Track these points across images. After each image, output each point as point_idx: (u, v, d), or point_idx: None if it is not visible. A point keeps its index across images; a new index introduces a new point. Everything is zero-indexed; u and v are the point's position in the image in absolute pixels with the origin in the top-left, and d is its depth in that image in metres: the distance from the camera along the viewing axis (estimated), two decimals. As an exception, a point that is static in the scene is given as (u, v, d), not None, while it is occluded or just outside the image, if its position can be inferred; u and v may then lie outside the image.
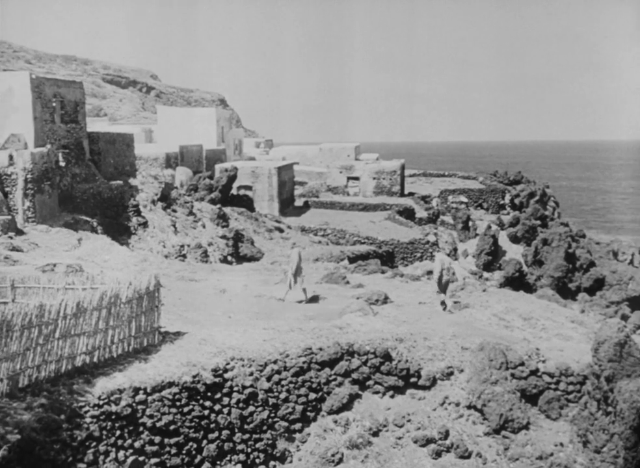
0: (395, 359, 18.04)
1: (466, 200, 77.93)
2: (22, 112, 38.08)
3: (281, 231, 51.69)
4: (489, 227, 58.25)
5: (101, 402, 14.42)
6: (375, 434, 17.18)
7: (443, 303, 22.97)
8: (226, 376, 16.55)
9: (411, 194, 75.94)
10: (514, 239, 59.53)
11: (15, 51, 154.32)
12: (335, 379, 17.74)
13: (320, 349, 17.80)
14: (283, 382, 17.16)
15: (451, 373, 18.06)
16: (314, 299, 24.50)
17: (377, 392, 17.91)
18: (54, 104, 40.39)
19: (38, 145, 38.11)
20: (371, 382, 17.93)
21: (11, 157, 36.20)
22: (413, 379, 17.96)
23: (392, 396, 17.90)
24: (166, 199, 45.99)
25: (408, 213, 64.73)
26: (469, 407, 17.41)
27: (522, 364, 17.72)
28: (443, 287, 23.23)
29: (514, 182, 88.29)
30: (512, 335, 19.79)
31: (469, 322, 20.99)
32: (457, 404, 17.52)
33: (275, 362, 17.24)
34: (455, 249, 58.65)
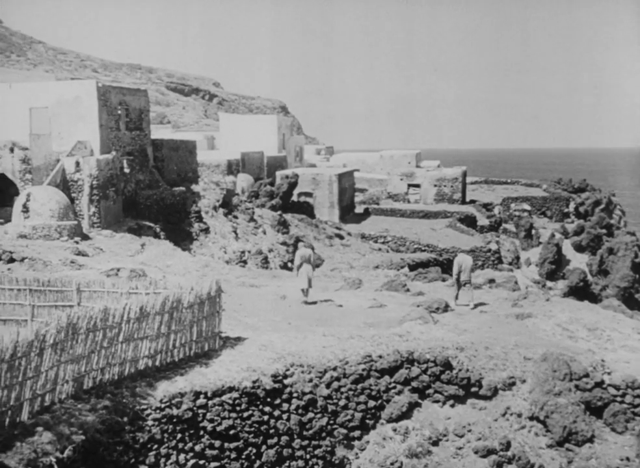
0: (456, 368, 17.82)
1: (528, 208, 76.79)
2: (89, 119, 38.96)
3: (341, 237, 51.69)
4: (552, 235, 57.28)
5: (163, 405, 14.59)
6: (435, 443, 16.99)
7: (457, 297, 24.62)
8: (286, 382, 16.57)
9: (472, 202, 75.19)
10: (579, 248, 58.40)
11: (82, 60, 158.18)
12: (394, 387, 17.60)
13: (380, 356, 17.70)
14: (342, 389, 17.10)
15: (513, 383, 17.75)
16: (313, 303, 24.65)
17: (437, 401, 17.72)
18: (119, 111, 41.21)
19: (103, 152, 38.91)
20: (431, 391, 17.74)
21: (78, 164, 37.06)
22: (474, 389, 17.71)
23: (452, 406, 17.68)
24: (227, 205, 46.45)
25: (469, 221, 64.09)
26: (531, 418, 17.09)
27: (587, 375, 17.32)
28: (459, 286, 24.74)
29: (579, 190, 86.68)
30: (576, 345, 19.37)
31: (531, 331, 20.62)
32: (519, 415, 17.21)
33: (334, 369, 17.19)
34: (517, 258, 57.81)
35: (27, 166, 37.28)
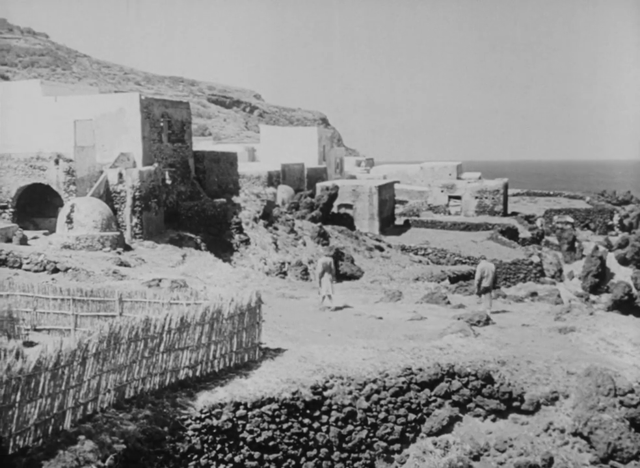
0: (497, 382, 17.62)
1: (571, 220, 75.83)
2: (132, 131, 39.45)
3: (381, 249, 51.54)
4: (596, 248, 56.41)
5: (203, 416, 14.64)
6: (476, 458, 16.78)
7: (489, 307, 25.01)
8: (325, 394, 16.53)
9: (514, 214, 74.51)
10: (623, 261, 57.40)
11: (126, 73, 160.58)
12: (435, 401, 17.46)
13: (420, 369, 17.57)
14: (382, 402, 17.01)
15: (556, 398, 17.48)
16: (339, 309, 25.86)
17: (478, 416, 17.52)
18: (162, 124, 41.68)
19: (146, 164, 39.36)
20: (471, 405, 17.55)
21: (120, 175, 37.53)
22: (515, 404, 17.48)
23: (494, 420, 17.47)
24: (267, 216, 46.63)
25: (511, 233, 63.47)
26: (574, 434, 16.80)
27: (632, 391, 16.99)
28: (481, 292, 25.44)
29: (623, 202, 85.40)
30: (621, 360, 19.02)
31: (575, 345, 20.30)
32: (562, 431, 16.93)
33: (374, 381, 17.11)
34: (560, 271, 57.08)
35: (71, 177, 37.85)
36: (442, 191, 74.67)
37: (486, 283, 25.31)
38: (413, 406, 17.23)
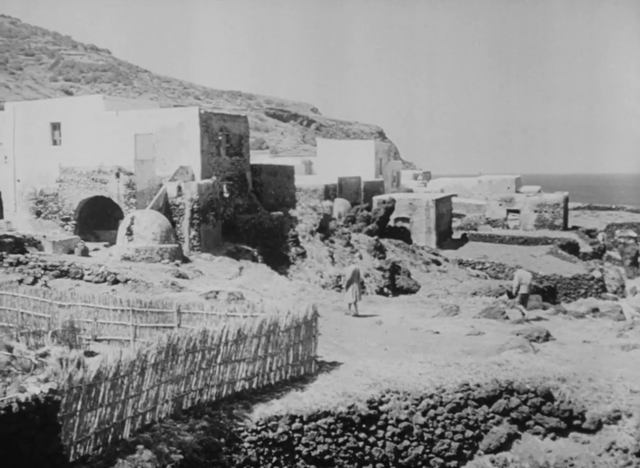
0: (557, 399, 17.25)
1: (635, 235, 74.06)
2: (191, 145, 39.97)
3: (438, 263, 51.13)
4: (660, 263, 55.04)
5: (259, 428, 14.67)
6: (535, 477, 16.44)
7: (523, 313, 25.97)
8: (381, 408, 16.42)
9: (575, 228, 73.21)
10: (688, 277, 55.88)
11: (185, 87, 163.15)
12: (493, 417, 17.18)
13: (478, 385, 17.33)
14: (439, 417, 16.81)
15: (619, 417, 17.04)
16: (362, 315, 26.84)
17: (537, 433, 17.18)
18: (220, 137, 42.15)
19: (204, 177, 39.82)
20: (531, 422, 17.22)
21: (179, 188, 38.03)
22: (576, 422, 17.08)
23: (553, 438, 17.10)
24: (324, 230, 46.70)
25: (571, 248, 62.34)
26: (638, 454, 16.34)
27: (698, 411, 16.47)
28: (520, 300, 26.66)
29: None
30: (686, 379, 18.46)
31: (638, 363, 19.78)
32: (625, 451, 16.48)
33: (431, 396, 16.93)
34: (623, 286, 55.81)
35: (132, 190, 38.52)
36: (500, 204, 73.82)
37: (524, 290, 26.57)
38: (471, 423, 16.99)
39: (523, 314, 26.25)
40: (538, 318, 26.64)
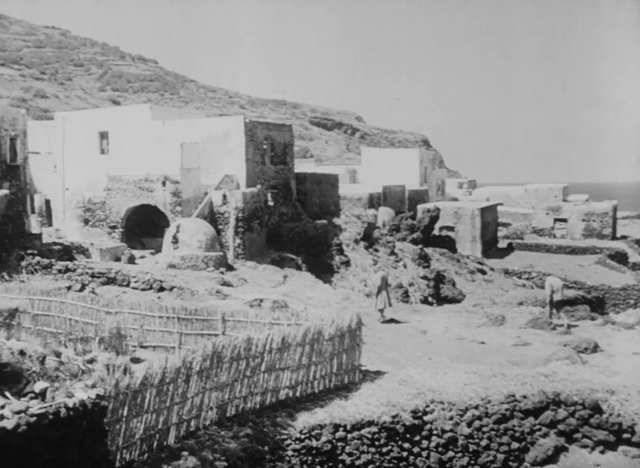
0: (606, 412, 16.93)
1: (685, 244, 72.57)
2: (236, 154, 40.24)
3: (483, 272, 50.67)
4: None
5: (303, 436, 14.65)
6: (583, 491, 16.15)
7: (562, 319, 26.39)
8: (426, 418, 16.29)
9: (624, 237, 71.94)
10: None
11: (230, 97, 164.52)
12: (539, 429, 16.92)
13: (524, 397, 17.09)
14: (484, 429, 16.62)
15: (670, 431, 16.65)
16: (392, 321, 27.36)
17: (585, 446, 16.87)
18: (265, 146, 42.38)
19: (249, 186, 40.06)
20: (578, 435, 16.92)
21: (224, 197, 38.32)
22: (626, 435, 16.74)
23: (602, 452, 16.78)
24: (368, 238, 46.61)
25: (620, 257, 61.27)
26: (690, 469, 15.95)
27: None
28: (554, 306, 26.75)
29: None
30: None
31: (690, 376, 19.33)
32: (676, 466, 16.11)
33: (476, 407, 16.75)
34: (673, 297, 54.57)
35: (177, 198, 38.93)
36: (547, 213, 72.92)
37: (558, 297, 26.73)
38: (517, 434, 16.76)
39: (563, 324, 26.23)
40: (570, 326, 26.51)
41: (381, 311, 27.56)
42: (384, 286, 27.56)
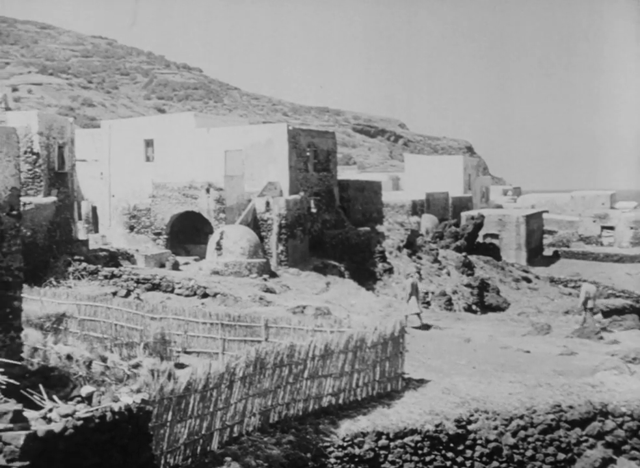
0: (655, 423, 16.59)
1: None
2: (279, 161, 40.38)
3: (528, 281, 50.06)
4: None
5: (345, 444, 14.61)
6: (631, 504, 15.84)
7: (598, 323, 26.61)
8: (470, 427, 16.13)
9: (673, 245, 70.53)
10: None
11: (274, 104, 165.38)
12: (586, 441, 16.64)
13: (571, 407, 16.83)
14: (529, 439, 16.39)
15: None
16: (426, 327, 27.50)
17: (634, 459, 16.53)
18: (308, 153, 42.48)
19: (292, 193, 40.18)
20: (627, 447, 16.59)
21: (268, 204, 38.47)
22: (676, 448, 16.38)
23: (651, 464, 16.44)
24: (411, 246, 46.40)
25: (670, 266, 60.07)
26: None
27: None
28: (589, 312, 26.71)
29: None
30: None
31: None
32: None
33: (521, 417, 16.53)
34: None
35: (221, 205, 39.22)
36: (594, 221, 71.84)
37: (592, 304, 26.79)
38: (563, 445, 16.50)
39: (598, 327, 26.36)
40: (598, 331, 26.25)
41: (418, 315, 27.77)
42: (414, 292, 27.78)
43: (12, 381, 9.99)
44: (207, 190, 39.56)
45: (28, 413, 9.51)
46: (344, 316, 25.37)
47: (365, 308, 31.29)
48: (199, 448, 12.96)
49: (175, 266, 35.97)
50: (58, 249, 32.76)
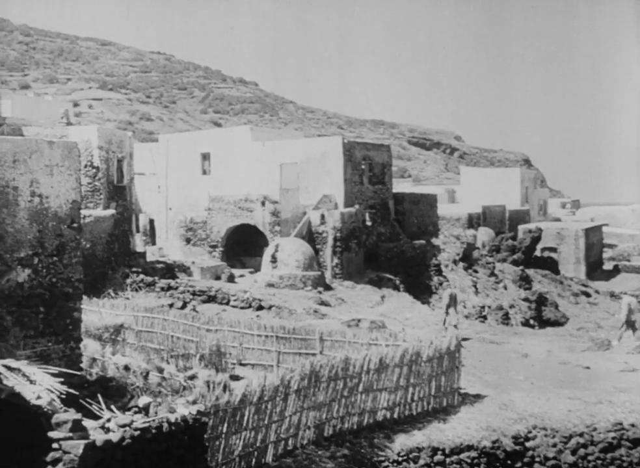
0: None
1: None
2: (334, 174, 40.47)
3: (588, 295, 49.10)
4: None
5: (400, 459, 14.47)
6: (697, 527, 15.32)
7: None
8: (527, 444, 15.82)
9: None
10: None
11: (329, 117, 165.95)
12: (649, 460, 16.17)
13: (633, 425, 16.38)
14: (589, 457, 16.00)
15: None
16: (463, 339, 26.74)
17: (699, 480, 16.01)
18: (363, 166, 42.49)
19: (347, 206, 40.19)
20: (691, 467, 16.08)
21: (323, 217, 38.54)
22: None
23: None
24: (467, 259, 45.96)
25: None
26: None
27: None
28: (630, 325, 25.95)
29: None
30: None
31: None
32: None
33: (581, 435, 16.15)
34: None
35: (276, 218, 39.41)
36: (656, 235, 70.21)
37: (635, 317, 26.11)
38: (625, 465, 16.05)
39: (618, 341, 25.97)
40: None
41: (453, 327, 27.41)
42: (452, 303, 27.65)
43: (71, 390, 10.15)
44: (263, 203, 39.81)
45: (87, 423, 9.66)
46: (399, 329, 25.23)
47: (421, 322, 31.05)
48: (254, 461, 12.98)
49: (231, 279, 36.23)
50: (116, 261, 33.30)
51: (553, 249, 58.64)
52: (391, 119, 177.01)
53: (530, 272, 48.86)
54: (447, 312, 27.81)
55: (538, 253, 56.09)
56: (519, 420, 16.47)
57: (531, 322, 40.02)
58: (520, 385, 19.91)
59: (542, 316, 41.09)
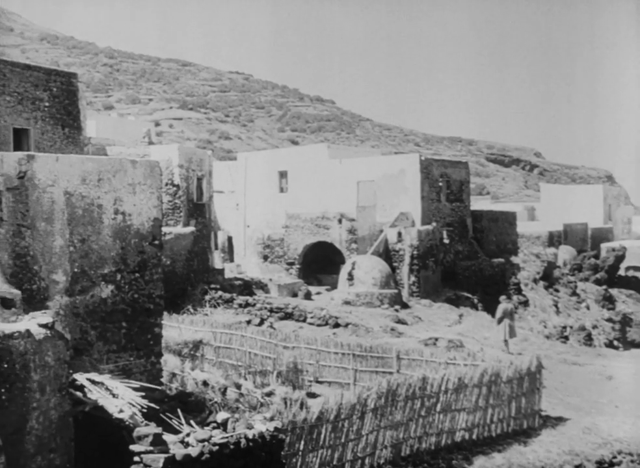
0: None
1: None
2: (411, 191, 40.29)
3: (674, 316, 47.44)
4: None
5: (480, 482, 14.20)
6: None
7: None
8: (612, 470, 15.33)
9: None
10: None
11: (405, 134, 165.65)
12: None
13: None
14: (678, 485, 15.39)
15: None
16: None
17: None
18: (440, 183, 42.19)
19: (424, 223, 39.93)
20: None
21: (400, 234, 38.38)
22: None
23: None
24: (548, 278, 45.02)
25: None
26: None
27: None
28: None
29: None
30: None
31: None
32: None
33: (669, 461, 15.55)
34: None
35: (353, 236, 39.44)
36: None
37: None
38: None
39: None
40: None
41: (505, 342, 27.36)
42: (507, 317, 27.52)
43: (152, 405, 10.32)
44: (340, 221, 39.91)
45: (167, 437, 9.80)
46: (477, 349, 24.83)
47: (499, 341, 30.52)
48: (330, 479, 12.93)
49: (308, 296, 36.35)
50: (195, 278, 33.82)
51: (638, 268, 56.89)
52: (468, 136, 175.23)
53: (614, 291, 47.53)
54: (498, 325, 27.83)
55: (622, 272, 54.53)
56: (603, 444, 15.98)
57: (615, 343, 38.87)
58: (604, 409, 19.34)
59: (626, 337, 39.89)
